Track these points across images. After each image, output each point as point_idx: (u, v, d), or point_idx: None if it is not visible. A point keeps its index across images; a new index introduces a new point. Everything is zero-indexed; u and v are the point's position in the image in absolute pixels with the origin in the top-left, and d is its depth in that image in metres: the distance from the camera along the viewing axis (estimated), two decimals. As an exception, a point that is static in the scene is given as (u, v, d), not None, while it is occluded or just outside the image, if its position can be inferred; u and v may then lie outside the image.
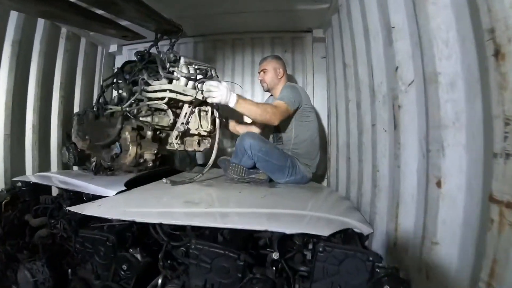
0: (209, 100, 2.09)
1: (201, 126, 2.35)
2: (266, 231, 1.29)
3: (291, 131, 2.56)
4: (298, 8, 2.84)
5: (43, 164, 2.77)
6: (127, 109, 2.16)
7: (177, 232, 1.41)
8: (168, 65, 2.19)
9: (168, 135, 2.43)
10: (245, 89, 3.56)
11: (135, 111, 2.20)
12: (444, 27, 1.09)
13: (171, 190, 1.98)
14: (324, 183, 3.10)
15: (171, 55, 2.25)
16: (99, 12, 2.05)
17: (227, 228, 1.31)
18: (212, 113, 2.37)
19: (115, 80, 2.54)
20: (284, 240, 1.32)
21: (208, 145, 2.49)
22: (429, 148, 1.17)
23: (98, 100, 2.54)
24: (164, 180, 2.12)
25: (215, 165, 2.35)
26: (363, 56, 1.95)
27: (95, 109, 2.34)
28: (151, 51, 2.47)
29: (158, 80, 2.20)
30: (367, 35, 1.82)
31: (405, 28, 1.39)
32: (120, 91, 2.37)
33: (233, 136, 3.32)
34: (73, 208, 1.57)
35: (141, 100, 2.26)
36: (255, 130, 2.92)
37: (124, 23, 2.39)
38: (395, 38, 1.42)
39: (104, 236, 1.45)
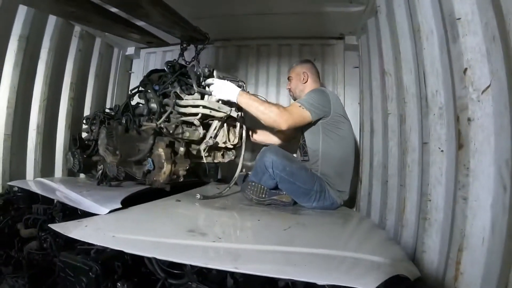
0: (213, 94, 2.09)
1: (229, 140, 2.33)
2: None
3: (318, 145, 2.19)
4: (329, 10, 2.59)
5: (46, 168, 2.59)
6: (162, 125, 1.98)
7: (175, 270, 1.13)
8: (201, 80, 2.15)
9: (196, 149, 2.28)
10: (270, 100, 3.22)
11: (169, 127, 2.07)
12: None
13: (173, 213, 1.72)
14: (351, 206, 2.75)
15: (206, 70, 2.18)
16: (124, 16, 1.99)
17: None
18: (241, 126, 2.36)
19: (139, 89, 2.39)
20: (311, 286, 1.02)
21: (233, 157, 2.50)
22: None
23: (122, 111, 2.33)
24: (198, 195, 2.05)
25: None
26: (409, 62, 1.66)
27: (123, 120, 2.18)
28: (180, 62, 2.41)
29: (191, 94, 2.11)
30: (416, 36, 1.52)
31: (475, 18, 1.08)
32: (150, 103, 2.21)
33: (254, 148, 3.07)
34: (55, 226, 1.34)
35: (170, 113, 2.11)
36: (277, 140, 2.66)
37: (149, 28, 2.31)
38: (462, 33, 1.11)
39: (86, 265, 1.19)
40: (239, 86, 2.19)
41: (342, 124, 2.20)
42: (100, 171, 2.36)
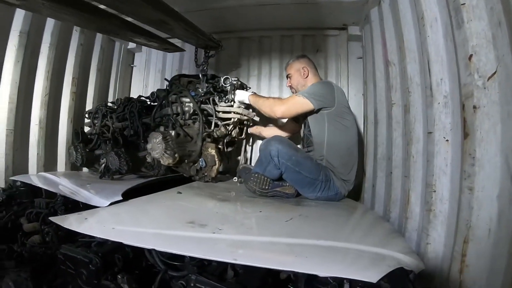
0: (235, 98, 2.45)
1: (238, 135, 2.67)
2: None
3: (323, 135, 2.16)
4: (332, 1, 2.56)
5: (48, 162, 2.60)
6: (214, 130, 2.39)
7: (174, 262, 1.11)
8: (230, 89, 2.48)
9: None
10: (273, 92, 3.26)
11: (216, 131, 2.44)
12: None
13: (173, 205, 1.70)
14: (355, 198, 2.73)
15: (239, 82, 2.53)
16: (147, 28, 2.22)
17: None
18: (248, 125, 2.80)
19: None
20: (313, 278, 1.01)
21: (230, 149, 2.74)
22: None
23: (151, 116, 2.53)
24: (235, 179, 2.51)
25: (234, 174, 2.54)
26: (413, 51, 1.64)
27: (170, 125, 2.36)
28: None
29: (224, 101, 2.46)
30: (420, 24, 1.48)
31: (480, 3, 1.05)
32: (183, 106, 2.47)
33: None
34: (56, 219, 1.34)
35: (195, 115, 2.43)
36: (283, 133, 2.69)
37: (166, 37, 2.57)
38: (467, 19, 1.08)
39: (86, 258, 1.18)
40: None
41: (347, 115, 2.18)
42: (103, 165, 2.37)
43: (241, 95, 2.41)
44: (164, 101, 2.49)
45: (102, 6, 1.90)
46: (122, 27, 2.09)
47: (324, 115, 2.14)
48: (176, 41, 2.83)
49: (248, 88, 2.69)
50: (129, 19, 2.10)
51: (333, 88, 2.17)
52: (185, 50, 2.93)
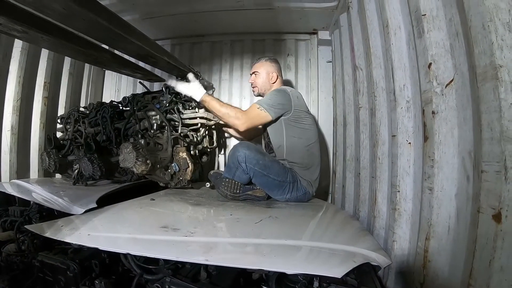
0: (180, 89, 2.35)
1: (209, 144, 2.65)
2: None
3: (282, 140, 2.20)
4: (302, 6, 2.63)
5: (21, 169, 2.52)
6: (181, 135, 2.39)
7: (150, 265, 1.13)
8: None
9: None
10: (244, 96, 3.32)
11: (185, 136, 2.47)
12: (505, 5, 0.83)
13: (147, 211, 1.70)
14: (326, 199, 2.82)
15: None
16: (133, 61, 2.29)
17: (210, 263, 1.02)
18: (217, 134, 2.75)
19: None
20: (283, 277, 1.04)
21: (205, 159, 2.76)
22: (481, 167, 0.88)
23: (123, 129, 2.52)
24: (207, 184, 2.49)
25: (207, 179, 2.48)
26: (379, 57, 1.71)
27: (139, 136, 2.38)
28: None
29: (188, 109, 2.47)
30: (385, 31, 1.55)
31: (440, 14, 1.12)
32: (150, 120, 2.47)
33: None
34: (31, 228, 1.33)
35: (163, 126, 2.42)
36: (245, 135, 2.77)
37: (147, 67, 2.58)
38: (427, 29, 1.15)
39: (64, 264, 1.19)
40: (209, 88, 2.49)
41: (304, 118, 2.21)
42: (76, 171, 2.32)
43: (191, 89, 2.31)
44: (131, 119, 2.48)
45: (95, 41, 1.94)
46: (111, 60, 2.15)
47: (281, 122, 2.18)
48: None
49: (213, 89, 2.62)
50: (117, 52, 2.16)
51: (289, 95, 2.19)
52: (165, 80, 2.93)
